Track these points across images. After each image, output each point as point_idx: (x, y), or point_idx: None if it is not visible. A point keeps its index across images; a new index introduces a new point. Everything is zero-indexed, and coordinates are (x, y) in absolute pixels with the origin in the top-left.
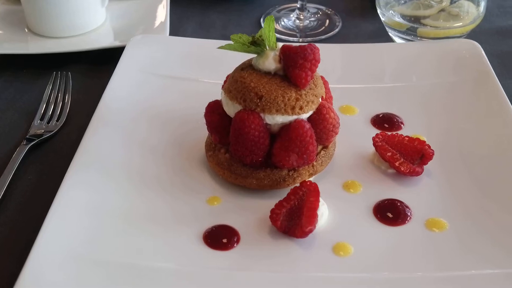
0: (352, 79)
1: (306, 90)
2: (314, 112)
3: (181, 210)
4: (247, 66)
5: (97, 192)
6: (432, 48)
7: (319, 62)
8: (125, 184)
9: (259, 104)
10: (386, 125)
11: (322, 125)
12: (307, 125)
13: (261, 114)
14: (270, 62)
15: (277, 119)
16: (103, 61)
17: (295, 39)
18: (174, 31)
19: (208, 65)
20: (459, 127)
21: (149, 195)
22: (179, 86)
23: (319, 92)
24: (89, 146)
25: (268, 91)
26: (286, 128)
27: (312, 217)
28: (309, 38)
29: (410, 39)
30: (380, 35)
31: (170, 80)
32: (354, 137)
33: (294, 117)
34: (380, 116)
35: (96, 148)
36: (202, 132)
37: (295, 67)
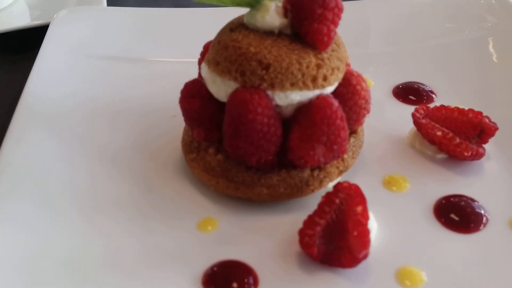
0: (359, 43)
1: (328, 53)
2: (340, 84)
3: (161, 246)
4: (238, 26)
5: (34, 231)
6: None
7: (342, 12)
8: (73, 215)
9: (265, 77)
10: (413, 97)
11: (352, 101)
12: (336, 103)
13: (269, 92)
14: (272, 16)
15: (292, 97)
16: (22, 46)
17: None
18: (112, 1)
19: (163, 39)
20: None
21: (108, 230)
22: (129, 69)
23: (343, 55)
24: (12, 159)
25: (277, 56)
26: (305, 109)
27: (364, 236)
28: None
29: None
30: None
31: (114, 62)
32: (379, 116)
33: (316, 92)
34: (402, 86)
35: (22, 162)
36: (175, 128)
37: (313, 19)
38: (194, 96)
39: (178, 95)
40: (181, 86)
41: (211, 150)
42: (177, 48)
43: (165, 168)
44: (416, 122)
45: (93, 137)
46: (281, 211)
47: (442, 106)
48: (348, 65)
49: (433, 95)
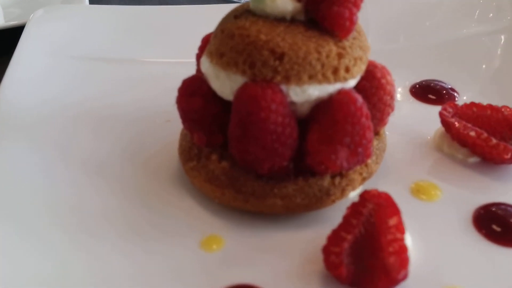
0: (372, 38)
1: (350, 41)
2: (362, 77)
3: (158, 269)
4: (243, 13)
5: (6, 254)
6: None
7: None
8: (54, 236)
9: (279, 68)
10: (432, 96)
11: (376, 97)
12: (360, 98)
13: (283, 87)
14: (283, 0)
15: (310, 92)
16: None
17: None
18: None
19: (152, 39)
20: None
21: (95, 252)
22: (115, 71)
23: (365, 43)
24: None
25: (293, 44)
26: (325, 106)
27: (402, 253)
28: None
29: None
30: None
31: (99, 63)
32: (399, 117)
33: (338, 86)
34: (420, 85)
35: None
36: (170, 134)
37: (331, 1)
38: (194, 94)
39: (171, 98)
40: (173, 89)
41: (214, 157)
42: (167, 48)
43: (160, 179)
44: (444, 121)
45: (76, 146)
46: (298, 225)
47: (472, 103)
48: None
49: (455, 93)
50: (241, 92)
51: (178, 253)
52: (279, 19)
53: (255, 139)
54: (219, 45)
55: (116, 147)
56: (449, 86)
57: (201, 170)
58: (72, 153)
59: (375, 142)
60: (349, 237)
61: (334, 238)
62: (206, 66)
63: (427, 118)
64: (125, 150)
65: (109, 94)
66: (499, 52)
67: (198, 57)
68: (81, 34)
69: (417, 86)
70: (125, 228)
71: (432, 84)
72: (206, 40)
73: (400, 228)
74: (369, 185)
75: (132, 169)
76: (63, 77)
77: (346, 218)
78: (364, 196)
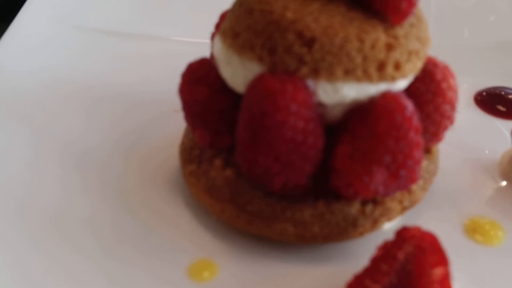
0: (433, 29)
1: (405, 28)
2: (417, 78)
3: None
4: None
5: None
6: None
7: None
8: (17, 242)
9: (306, 58)
10: (502, 108)
11: (433, 105)
12: (410, 106)
13: (309, 82)
14: None
15: (344, 92)
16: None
17: None
18: None
19: (168, 13)
20: None
21: (64, 266)
22: (122, 46)
23: (425, 34)
24: None
25: (327, 28)
26: (362, 112)
27: None
28: None
29: None
30: None
31: (105, 36)
32: (457, 133)
33: (382, 86)
34: (488, 92)
35: None
36: (176, 127)
37: None
38: (199, 82)
39: None
40: None
41: (218, 162)
42: (184, 24)
43: (155, 183)
44: None
45: (62, 129)
46: (313, 259)
47: None
48: None
49: None
50: (254, 85)
51: (159, 279)
52: None
53: (267, 147)
54: (234, 23)
55: (109, 137)
56: None
57: (201, 177)
58: (55, 136)
59: (424, 163)
60: (377, 286)
61: (356, 284)
62: (218, 48)
63: (494, 136)
64: (119, 141)
65: (111, 71)
66: None
67: (213, 36)
68: (89, 2)
69: (484, 93)
70: (100, 240)
71: (503, 93)
72: (223, 17)
73: (446, 284)
74: (410, 216)
75: (123, 166)
76: (62, 47)
77: (374, 262)
78: (401, 234)
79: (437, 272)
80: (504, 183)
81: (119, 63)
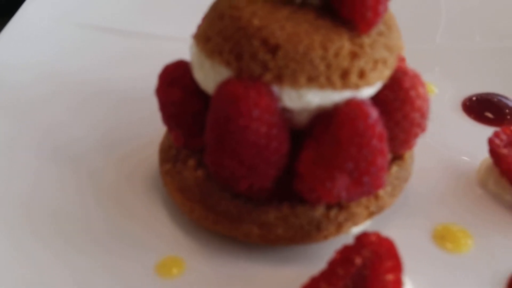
0: (422, 33)
1: (372, 37)
2: (385, 86)
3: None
4: None
5: None
6: None
7: None
8: None
9: (270, 64)
10: (490, 115)
11: (401, 113)
12: (374, 113)
13: (274, 88)
14: None
15: (308, 98)
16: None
17: None
18: None
19: (172, 12)
20: None
21: (33, 253)
22: (119, 43)
23: (395, 42)
24: None
25: (292, 35)
26: (326, 119)
27: None
28: None
29: None
30: None
31: (104, 33)
32: (439, 137)
33: (346, 94)
34: (476, 99)
35: None
36: (156, 125)
37: None
38: (173, 84)
39: None
40: None
41: (191, 163)
42: (183, 22)
43: (133, 180)
44: (493, 151)
45: (45, 121)
46: (278, 259)
47: None
48: (401, 59)
49: None
50: (220, 90)
51: (125, 275)
52: (287, 1)
53: (231, 151)
54: (207, 27)
55: (92, 130)
56: None
57: (175, 176)
58: (33, 127)
59: (395, 169)
60: None
61: None
62: (192, 52)
63: (477, 143)
64: (102, 136)
65: (106, 68)
66: None
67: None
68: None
69: (474, 99)
70: (69, 231)
71: (494, 100)
72: (204, 19)
73: None
74: (380, 221)
75: (102, 161)
76: (60, 43)
77: (331, 265)
78: (360, 239)
79: (389, 277)
80: (480, 191)
81: (114, 60)
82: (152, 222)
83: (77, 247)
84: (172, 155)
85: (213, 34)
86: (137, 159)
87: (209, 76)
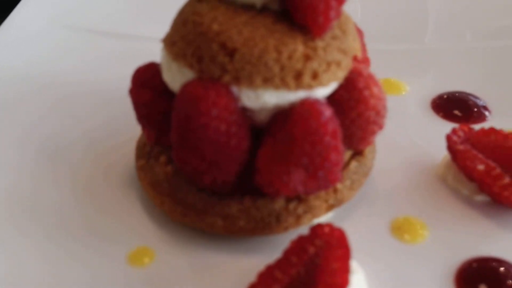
0: (396, 36)
1: (326, 40)
2: (341, 86)
3: (72, 280)
4: None
5: None
6: None
7: None
8: None
9: (228, 66)
10: (458, 113)
11: (356, 112)
12: (327, 112)
13: (233, 88)
14: None
15: (265, 99)
16: None
17: None
18: None
19: (156, 15)
20: None
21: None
22: (110, 45)
23: (350, 45)
24: None
25: (248, 40)
26: (282, 117)
27: None
28: None
29: None
30: None
31: (97, 36)
32: (405, 134)
33: (301, 94)
34: (446, 97)
35: None
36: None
37: None
38: (144, 86)
39: None
40: None
41: (162, 158)
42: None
43: (110, 175)
44: (451, 147)
45: (27, 117)
46: (242, 249)
47: (491, 129)
48: (358, 61)
49: (486, 113)
50: (182, 91)
51: (98, 262)
52: (247, 7)
53: (193, 148)
54: (173, 32)
55: (74, 126)
56: (482, 104)
57: (148, 171)
58: (16, 123)
59: (353, 164)
60: (285, 278)
61: (266, 277)
62: (162, 55)
63: (442, 140)
64: (84, 134)
65: (94, 69)
66: None
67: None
68: (82, 2)
69: (445, 97)
70: (43, 225)
71: (462, 98)
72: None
73: (343, 279)
74: (339, 214)
75: (81, 155)
76: (49, 44)
77: (286, 254)
78: (315, 230)
79: (338, 265)
80: (439, 185)
81: (103, 62)
82: (126, 214)
83: (53, 238)
84: (146, 152)
85: (178, 38)
86: (115, 156)
87: (175, 78)
